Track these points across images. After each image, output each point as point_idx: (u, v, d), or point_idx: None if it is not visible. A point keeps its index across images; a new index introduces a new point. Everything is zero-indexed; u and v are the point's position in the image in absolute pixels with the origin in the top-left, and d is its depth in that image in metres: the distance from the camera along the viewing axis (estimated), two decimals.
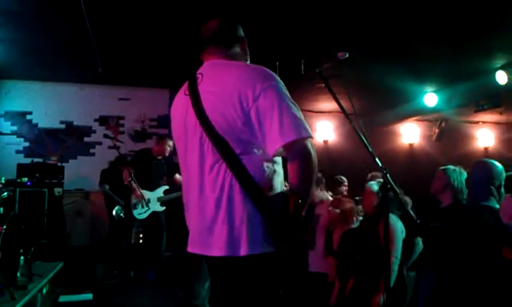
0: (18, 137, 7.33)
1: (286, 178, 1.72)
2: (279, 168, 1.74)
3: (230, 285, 1.70)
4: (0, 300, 3.00)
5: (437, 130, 9.51)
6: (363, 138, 2.00)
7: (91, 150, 7.68)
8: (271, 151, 1.63)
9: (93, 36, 5.17)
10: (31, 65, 6.59)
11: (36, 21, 5.00)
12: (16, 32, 5.29)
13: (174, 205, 5.71)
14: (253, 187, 1.62)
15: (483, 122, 10.13)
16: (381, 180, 3.38)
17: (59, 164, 6.75)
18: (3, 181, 4.11)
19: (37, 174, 6.15)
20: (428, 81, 7.19)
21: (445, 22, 4.89)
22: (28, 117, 7.49)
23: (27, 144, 7.42)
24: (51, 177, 6.26)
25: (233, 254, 1.62)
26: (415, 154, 9.71)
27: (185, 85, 1.85)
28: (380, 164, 1.97)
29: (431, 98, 7.48)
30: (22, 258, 3.58)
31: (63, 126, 7.62)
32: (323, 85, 2.13)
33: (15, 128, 7.38)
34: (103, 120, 7.78)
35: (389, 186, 1.99)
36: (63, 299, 4.59)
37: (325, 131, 9.22)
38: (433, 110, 7.89)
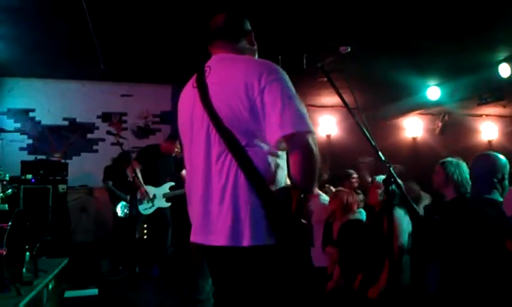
0: (21, 134, 7.36)
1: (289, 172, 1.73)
2: (283, 162, 1.75)
3: (231, 275, 1.72)
4: (7, 296, 3.02)
5: (440, 124, 9.48)
6: (366, 132, 2.01)
7: (95, 147, 7.71)
8: (271, 141, 1.66)
9: (95, 33, 5.17)
10: (33, 62, 6.60)
11: (38, 18, 5.00)
12: (17, 29, 5.29)
13: (180, 202, 5.72)
14: (258, 179, 1.64)
15: (486, 115, 10.09)
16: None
17: (62, 161, 6.77)
18: (7, 179, 4.11)
19: (41, 171, 6.18)
20: (431, 75, 7.17)
21: (447, 15, 4.86)
22: (31, 114, 7.51)
23: (30, 141, 7.45)
24: (55, 174, 6.29)
25: (236, 244, 1.64)
26: (418, 148, 9.68)
27: (193, 78, 1.88)
28: (383, 158, 1.97)
29: (433, 92, 7.46)
30: (27, 254, 3.61)
31: (66, 123, 7.64)
32: (325, 79, 2.13)
33: (18, 125, 7.40)
34: (106, 117, 7.80)
35: (392, 180, 1.99)
36: (68, 294, 4.62)
37: (328, 125, 9.21)
38: (436, 104, 7.87)
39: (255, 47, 1.97)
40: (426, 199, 4.87)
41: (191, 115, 1.82)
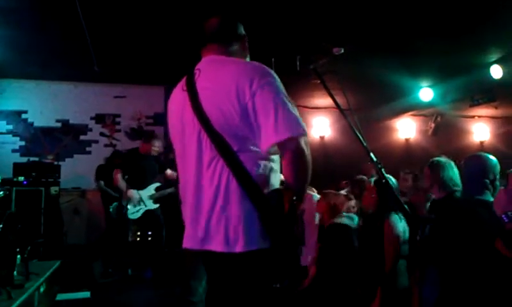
0: (13, 136, 7.31)
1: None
2: (276, 166, 1.75)
3: (226, 281, 1.71)
4: None
5: (433, 125, 9.54)
6: (358, 133, 2.01)
7: (88, 148, 7.67)
8: (264, 147, 1.64)
9: (88, 34, 5.15)
10: (26, 64, 6.56)
11: (30, 19, 4.97)
12: (9, 30, 5.25)
13: (169, 200, 5.70)
14: (250, 183, 1.63)
15: (479, 116, 10.17)
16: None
17: (55, 163, 6.75)
18: None
19: (33, 173, 6.14)
20: (423, 76, 7.22)
21: (439, 16, 4.90)
22: (23, 116, 7.46)
23: (23, 143, 7.40)
24: (47, 176, 6.25)
25: (230, 250, 1.63)
26: (411, 149, 9.74)
27: (183, 80, 1.85)
28: (375, 159, 1.98)
29: (426, 93, 7.51)
30: (18, 256, 3.59)
31: (58, 124, 7.60)
32: (319, 81, 2.14)
33: (10, 127, 7.36)
34: (99, 118, 7.77)
35: (384, 181, 2.00)
36: (60, 297, 4.59)
37: (321, 127, 9.22)
38: (429, 105, 7.93)
39: (247, 53, 1.95)
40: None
41: (181, 119, 1.79)
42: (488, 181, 2.73)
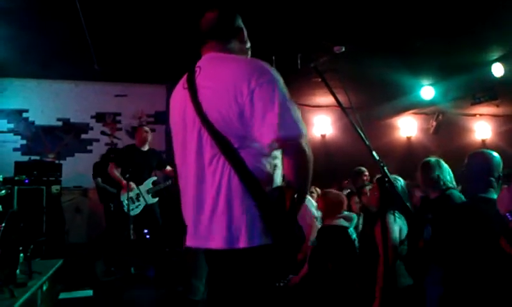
0: (15, 135, 7.32)
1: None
2: (278, 162, 1.75)
3: (228, 277, 1.72)
4: (0, 298, 3.01)
5: (434, 123, 9.54)
6: (360, 131, 2.01)
7: (89, 147, 7.67)
8: (263, 143, 1.64)
9: (89, 33, 5.15)
10: (26, 63, 6.56)
11: (31, 18, 4.98)
12: (10, 29, 5.26)
13: (163, 192, 5.73)
14: (252, 180, 1.64)
15: (480, 115, 10.16)
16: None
17: (56, 162, 6.74)
18: (1, 179, 4.09)
19: (35, 172, 6.14)
20: (424, 74, 7.21)
21: (440, 14, 4.89)
22: (24, 115, 7.47)
23: (24, 141, 7.40)
24: (49, 175, 6.25)
25: (232, 246, 1.64)
26: (412, 147, 9.73)
27: (184, 78, 1.85)
28: (377, 157, 1.98)
29: (427, 91, 7.50)
30: (21, 255, 3.59)
31: (59, 123, 7.60)
32: (320, 79, 2.13)
33: (11, 126, 7.36)
34: (100, 117, 7.77)
35: (386, 179, 1.99)
36: (63, 296, 4.60)
37: (323, 125, 9.22)
38: (430, 104, 7.92)
39: (247, 46, 1.94)
40: None
41: (183, 116, 1.80)
42: (493, 179, 2.72)
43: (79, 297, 4.63)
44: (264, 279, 1.69)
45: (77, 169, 7.35)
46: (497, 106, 8.61)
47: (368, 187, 4.28)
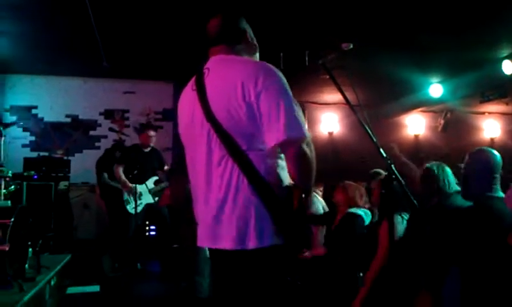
0: (24, 131, 7.38)
1: None
2: (284, 163, 1.76)
3: (238, 278, 1.73)
4: (9, 292, 3.04)
5: (442, 121, 9.45)
6: (368, 129, 2.00)
7: (97, 144, 7.70)
8: (269, 145, 1.67)
9: (97, 30, 5.17)
10: (35, 59, 6.61)
11: (40, 14, 5.01)
12: (20, 25, 5.30)
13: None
14: (260, 181, 1.65)
15: (489, 113, 10.05)
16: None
17: (65, 158, 6.79)
18: (10, 175, 4.13)
19: (43, 168, 6.18)
20: (433, 72, 7.15)
21: (450, 11, 4.85)
22: (33, 111, 7.53)
23: (33, 138, 7.47)
24: (57, 171, 6.29)
25: (242, 247, 1.65)
26: (420, 145, 9.66)
27: (193, 80, 1.87)
28: (384, 155, 1.97)
29: (436, 89, 7.44)
30: (30, 250, 3.63)
31: (68, 120, 7.66)
32: (327, 76, 2.13)
33: (20, 122, 7.42)
34: (108, 114, 7.81)
35: (394, 176, 1.97)
36: (70, 290, 4.65)
37: (330, 123, 9.19)
38: (438, 101, 7.84)
39: (254, 45, 1.95)
40: None
41: (192, 118, 1.82)
42: (497, 177, 2.70)
43: (87, 292, 4.67)
44: (274, 279, 1.70)
45: (85, 166, 7.38)
46: (506, 104, 8.53)
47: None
